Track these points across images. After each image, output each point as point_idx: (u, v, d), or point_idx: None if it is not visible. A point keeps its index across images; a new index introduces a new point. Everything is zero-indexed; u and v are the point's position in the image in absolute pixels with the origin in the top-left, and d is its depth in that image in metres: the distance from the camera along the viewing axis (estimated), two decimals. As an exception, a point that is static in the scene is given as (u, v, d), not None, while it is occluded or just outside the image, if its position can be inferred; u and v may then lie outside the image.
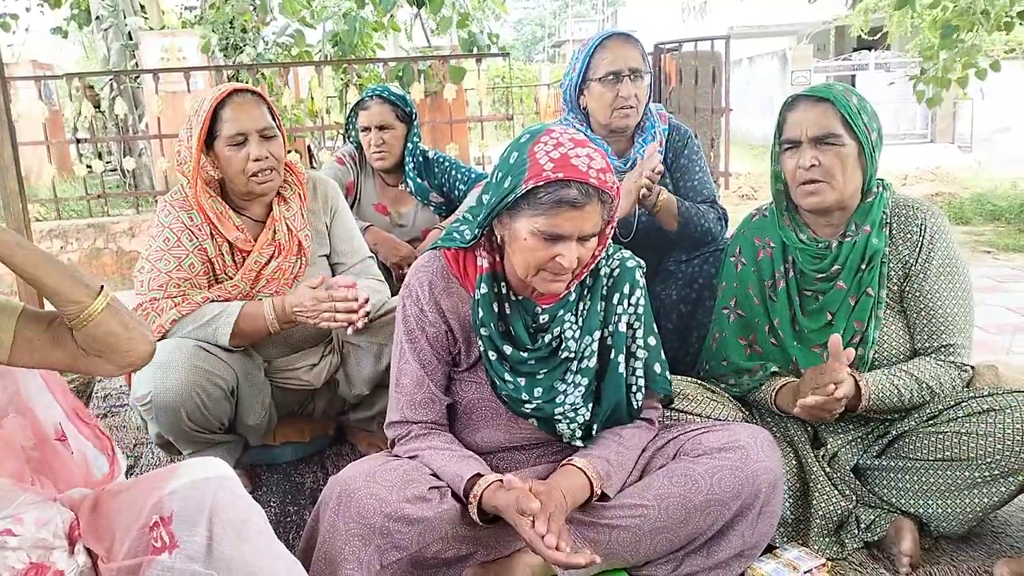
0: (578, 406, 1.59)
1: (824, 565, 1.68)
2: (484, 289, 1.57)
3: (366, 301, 1.94)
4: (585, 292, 1.63)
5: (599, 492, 1.56)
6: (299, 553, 1.53)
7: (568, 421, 1.59)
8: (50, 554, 1.21)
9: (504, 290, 1.60)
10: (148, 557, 1.20)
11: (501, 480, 1.49)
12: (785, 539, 1.76)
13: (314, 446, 2.42)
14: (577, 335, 1.60)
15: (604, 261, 1.65)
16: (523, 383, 1.59)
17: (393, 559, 1.48)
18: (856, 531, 1.79)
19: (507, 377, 1.59)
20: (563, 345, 1.60)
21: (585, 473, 1.55)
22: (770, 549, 1.71)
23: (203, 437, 2.00)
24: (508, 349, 1.58)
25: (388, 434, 1.68)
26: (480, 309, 1.57)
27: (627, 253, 1.67)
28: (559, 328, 1.59)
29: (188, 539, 1.16)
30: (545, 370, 1.60)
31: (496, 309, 1.58)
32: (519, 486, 1.43)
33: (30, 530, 1.20)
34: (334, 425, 2.46)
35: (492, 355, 1.58)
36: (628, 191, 2.19)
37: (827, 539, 1.77)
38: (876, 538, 1.78)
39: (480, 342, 1.59)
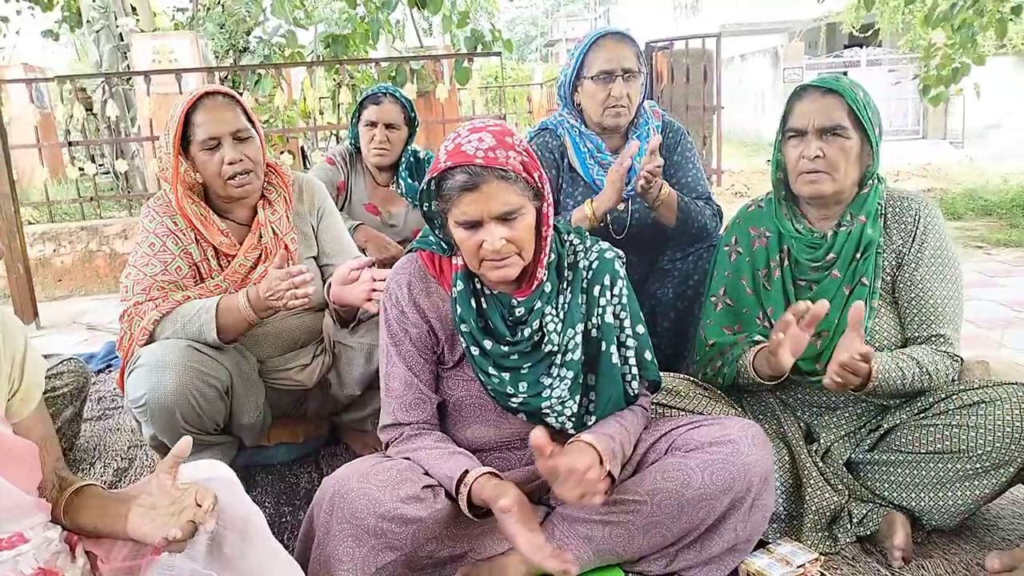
0: (565, 399, 1.59)
1: (817, 560, 1.68)
2: (460, 286, 1.60)
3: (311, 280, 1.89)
4: (564, 285, 1.64)
5: (607, 470, 1.51)
6: (295, 554, 1.53)
7: (556, 415, 1.60)
8: (57, 558, 1.22)
9: (479, 285, 1.62)
10: (149, 556, 1.21)
11: (491, 472, 1.50)
12: (778, 534, 1.77)
13: (308, 447, 2.42)
14: (559, 328, 1.61)
15: (583, 254, 1.66)
16: (508, 377, 1.60)
17: (387, 559, 1.48)
18: (849, 525, 1.79)
19: (491, 372, 1.60)
20: (546, 339, 1.61)
21: (595, 448, 1.49)
22: (763, 544, 1.71)
23: (198, 438, 1.99)
24: (488, 344, 1.59)
25: (382, 438, 1.69)
26: (459, 305, 1.59)
27: (605, 245, 1.68)
28: (538, 321, 1.60)
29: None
30: (529, 364, 1.61)
31: (474, 304, 1.60)
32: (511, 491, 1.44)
33: (39, 533, 1.21)
34: (327, 426, 2.46)
35: (475, 350, 1.60)
36: (612, 181, 2.18)
37: (820, 534, 1.78)
38: (869, 532, 1.78)
39: (462, 338, 1.60)
